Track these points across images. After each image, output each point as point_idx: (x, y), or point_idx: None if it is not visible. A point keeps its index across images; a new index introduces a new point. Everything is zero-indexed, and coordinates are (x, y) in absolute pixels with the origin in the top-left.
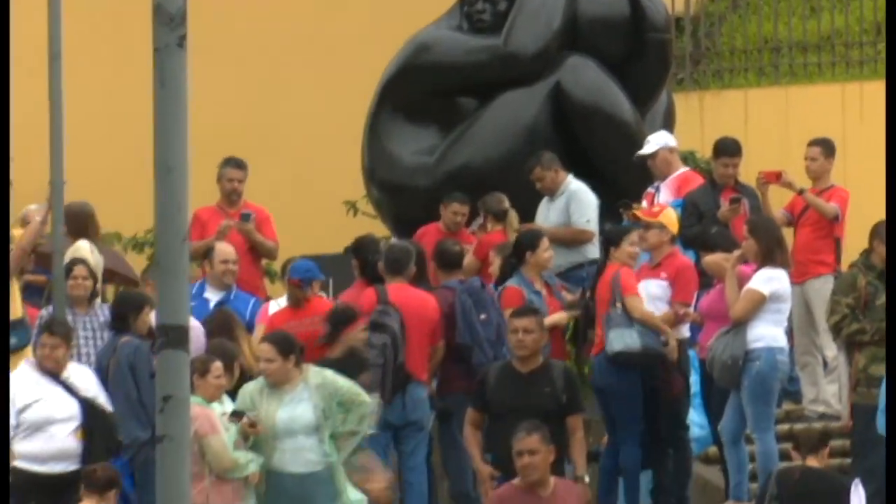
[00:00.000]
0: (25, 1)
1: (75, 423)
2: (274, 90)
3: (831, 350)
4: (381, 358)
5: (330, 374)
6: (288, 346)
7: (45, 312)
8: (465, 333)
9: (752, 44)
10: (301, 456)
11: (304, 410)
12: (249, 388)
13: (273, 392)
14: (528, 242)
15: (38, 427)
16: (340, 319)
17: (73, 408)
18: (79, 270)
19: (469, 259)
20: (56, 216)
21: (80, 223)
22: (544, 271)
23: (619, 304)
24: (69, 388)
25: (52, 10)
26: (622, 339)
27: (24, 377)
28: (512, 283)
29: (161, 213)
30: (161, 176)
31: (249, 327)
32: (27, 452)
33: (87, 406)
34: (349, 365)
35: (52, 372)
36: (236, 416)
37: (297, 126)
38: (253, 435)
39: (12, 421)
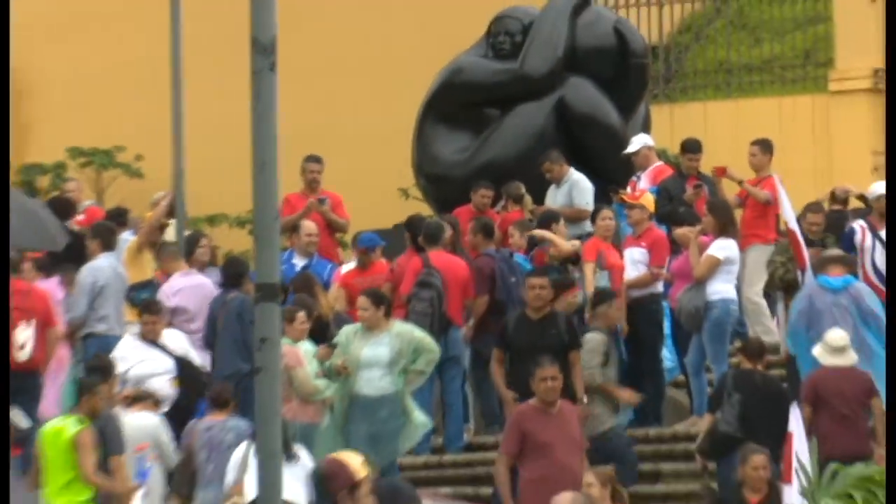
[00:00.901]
0: (154, 34)
1: (171, 375)
2: (345, 101)
3: (758, 297)
4: (430, 308)
5: (408, 327)
6: (379, 299)
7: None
8: (503, 292)
9: (711, 66)
10: (375, 383)
11: (384, 351)
12: (347, 330)
13: (365, 334)
14: (552, 218)
15: (143, 380)
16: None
17: (168, 364)
18: (205, 241)
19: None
20: (178, 199)
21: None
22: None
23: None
24: (165, 350)
25: (173, 43)
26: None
27: (129, 345)
28: (541, 247)
29: (258, 197)
30: (257, 168)
31: (327, 286)
32: None
33: (180, 362)
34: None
35: (151, 339)
36: (331, 346)
37: (362, 129)
38: (344, 374)
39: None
